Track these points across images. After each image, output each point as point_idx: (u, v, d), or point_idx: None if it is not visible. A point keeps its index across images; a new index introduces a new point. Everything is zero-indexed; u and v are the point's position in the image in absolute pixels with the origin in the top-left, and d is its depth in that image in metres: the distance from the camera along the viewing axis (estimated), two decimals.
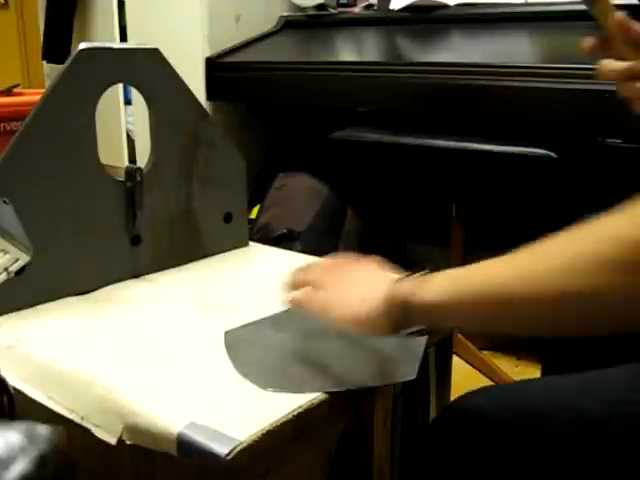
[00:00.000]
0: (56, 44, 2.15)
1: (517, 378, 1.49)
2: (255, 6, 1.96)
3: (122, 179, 0.93)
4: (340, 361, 0.70)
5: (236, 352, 0.72)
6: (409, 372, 0.68)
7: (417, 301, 0.56)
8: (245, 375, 0.67)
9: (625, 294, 0.46)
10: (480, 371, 1.56)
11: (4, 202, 0.65)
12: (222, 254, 1.08)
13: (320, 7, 1.94)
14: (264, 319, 0.80)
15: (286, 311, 0.76)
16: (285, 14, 2.01)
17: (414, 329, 0.59)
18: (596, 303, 0.48)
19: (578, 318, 0.50)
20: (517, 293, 0.51)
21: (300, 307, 0.67)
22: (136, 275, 0.97)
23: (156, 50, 0.95)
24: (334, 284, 0.65)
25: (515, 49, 1.55)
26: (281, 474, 0.66)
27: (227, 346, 0.73)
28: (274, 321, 0.80)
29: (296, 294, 0.68)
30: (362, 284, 0.63)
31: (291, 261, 1.08)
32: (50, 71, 2.24)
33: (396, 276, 0.61)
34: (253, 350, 0.73)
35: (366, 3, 1.96)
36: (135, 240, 0.96)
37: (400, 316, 0.57)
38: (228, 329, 0.77)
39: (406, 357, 0.70)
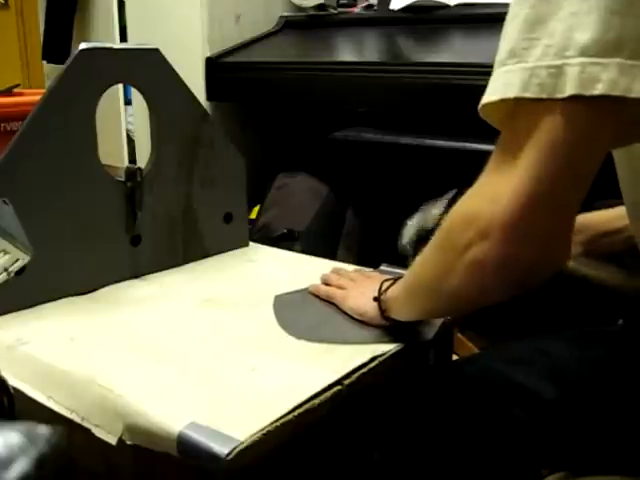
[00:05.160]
0: (56, 44, 2.14)
1: None
2: (255, 6, 1.96)
3: (122, 179, 0.93)
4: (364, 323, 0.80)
5: (281, 310, 0.85)
6: (426, 334, 0.78)
7: (385, 300, 0.75)
8: (284, 328, 0.80)
9: (442, 270, 0.58)
10: None
11: (4, 202, 0.65)
12: (222, 254, 1.08)
13: (320, 7, 1.94)
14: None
15: None
16: (285, 14, 2.00)
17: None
18: (440, 290, 0.60)
19: (447, 298, 0.62)
20: (416, 282, 0.68)
21: (326, 297, 0.87)
22: (136, 275, 0.97)
23: (156, 50, 0.95)
24: (351, 286, 0.86)
25: None
26: (281, 474, 0.66)
27: (274, 306, 0.86)
28: None
29: (323, 289, 0.89)
30: (367, 287, 0.81)
31: (291, 261, 1.08)
32: (50, 71, 2.24)
33: (384, 280, 0.77)
34: (296, 310, 0.85)
35: (366, 3, 1.96)
36: (135, 240, 0.96)
37: (382, 309, 0.76)
38: (277, 294, 0.89)
39: (424, 325, 0.80)
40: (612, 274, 0.82)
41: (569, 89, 0.46)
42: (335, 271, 0.93)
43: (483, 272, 0.53)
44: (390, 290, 0.75)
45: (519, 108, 0.49)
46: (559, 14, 0.47)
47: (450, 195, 0.93)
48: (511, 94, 0.48)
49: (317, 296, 0.89)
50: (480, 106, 0.52)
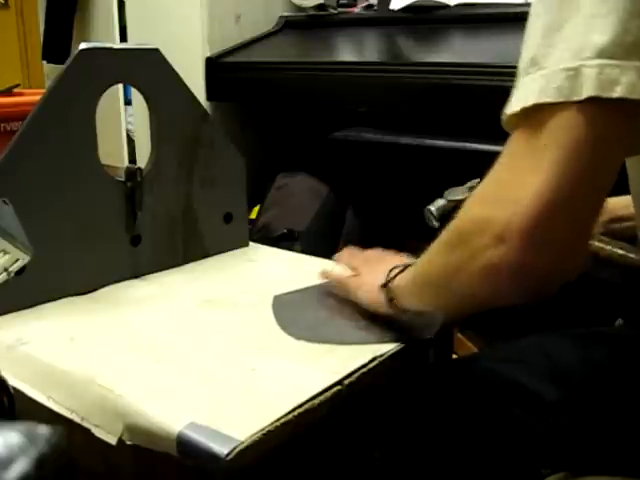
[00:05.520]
0: (56, 44, 2.14)
1: None
2: (255, 6, 1.96)
3: (122, 179, 0.93)
4: (365, 322, 0.79)
5: (280, 310, 0.84)
6: (426, 333, 0.75)
7: (393, 287, 0.71)
8: (283, 328, 0.79)
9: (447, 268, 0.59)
10: None
11: (4, 202, 0.65)
12: (222, 254, 1.08)
13: (320, 7, 1.94)
14: (310, 288, 0.91)
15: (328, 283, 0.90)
16: (285, 14, 2.00)
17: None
18: (441, 281, 0.62)
19: (453, 295, 0.61)
20: (424, 277, 0.67)
21: (334, 284, 0.85)
22: (136, 275, 0.97)
23: (156, 50, 0.95)
24: (363, 272, 0.81)
25: (515, 49, 1.55)
26: (281, 474, 0.66)
27: (273, 306, 0.86)
28: (318, 289, 0.90)
29: (335, 273, 0.86)
30: (380, 274, 0.75)
31: (291, 261, 1.08)
32: (50, 71, 2.24)
33: (393, 267, 0.73)
34: (295, 310, 0.85)
35: (366, 3, 1.96)
36: (135, 240, 0.96)
37: (389, 297, 0.72)
38: (277, 294, 0.88)
39: (425, 322, 0.78)
40: (632, 251, 0.80)
41: (586, 91, 0.45)
42: (349, 251, 0.90)
43: (498, 277, 0.52)
44: (398, 278, 0.71)
45: (537, 113, 0.48)
46: (577, 17, 0.46)
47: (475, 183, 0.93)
48: (531, 101, 0.47)
49: (316, 295, 0.88)
50: (505, 117, 0.51)
